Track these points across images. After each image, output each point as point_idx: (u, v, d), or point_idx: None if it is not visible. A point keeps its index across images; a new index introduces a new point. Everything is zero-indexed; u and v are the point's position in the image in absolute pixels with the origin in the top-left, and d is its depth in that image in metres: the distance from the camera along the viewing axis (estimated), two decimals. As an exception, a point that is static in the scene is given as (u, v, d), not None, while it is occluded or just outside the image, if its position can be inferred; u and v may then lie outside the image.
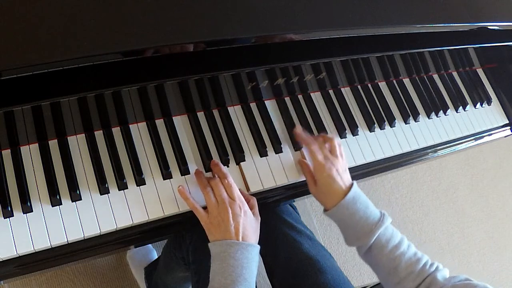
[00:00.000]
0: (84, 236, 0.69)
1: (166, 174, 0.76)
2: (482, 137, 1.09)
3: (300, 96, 0.92)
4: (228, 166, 0.81)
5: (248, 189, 0.81)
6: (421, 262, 0.73)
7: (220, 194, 0.72)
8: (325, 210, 0.79)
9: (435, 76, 1.09)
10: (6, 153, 0.71)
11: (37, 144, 0.73)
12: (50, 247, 0.68)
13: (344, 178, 0.78)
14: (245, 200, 0.75)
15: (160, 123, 0.80)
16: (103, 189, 0.72)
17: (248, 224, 0.72)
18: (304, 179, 0.83)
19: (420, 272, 0.72)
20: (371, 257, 0.75)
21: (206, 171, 0.80)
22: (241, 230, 0.70)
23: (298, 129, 0.83)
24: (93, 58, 0.57)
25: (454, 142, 1.04)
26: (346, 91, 0.97)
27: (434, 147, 1.01)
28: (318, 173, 0.78)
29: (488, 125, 1.09)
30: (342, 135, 0.91)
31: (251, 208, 0.75)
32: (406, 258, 0.73)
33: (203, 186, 0.73)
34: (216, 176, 0.75)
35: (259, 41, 0.67)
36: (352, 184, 0.78)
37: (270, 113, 0.87)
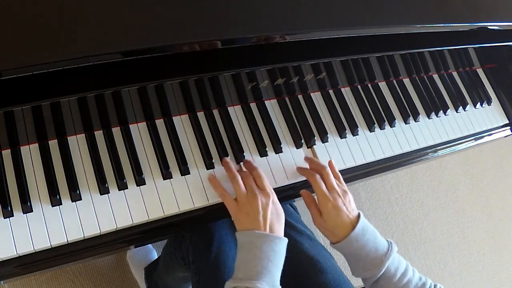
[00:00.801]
0: (84, 236, 0.69)
1: (166, 174, 0.76)
2: (482, 137, 1.09)
3: (300, 96, 0.92)
4: (228, 166, 0.81)
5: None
6: (426, 287, 0.73)
7: (250, 184, 0.73)
8: (332, 243, 0.76)
9: (435, 76, 1.09)
10: (6, 153, 0.71)
11: (37, 144, 0.73)
12: (50, 247, 0.68)
13: (350, 209, 0.76)
14: None
15: (160, 123, 0.80)
16: (103, 189, 0.72)
17: (276, 215, 0.72)
18: (304, 178, 0.84)
19: None
20: (379, 287, 0.74)
21: (207, 170, 0.80)
22: (269, 220, 0.70)
23: (299, 168, 0.84)
24: (93, 58, 0.57)
25: (454, 142, 1.04)
26: (346, 91, 0.97)
27: (434, 147, 1.01)
28: (322, 205, 0.76)
29: (488, 125, 1.09)
30: (342, 135, 0.91)
31: None
32: (413, 284, 0.73)
33: (232, 175, 0.74)
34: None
35: (259, 41, 0.67)
36: (359, 215, 0.76)
37: (270, 113, 0.87)
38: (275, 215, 0.72)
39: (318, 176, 0.78)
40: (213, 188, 0.76)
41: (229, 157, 0.81)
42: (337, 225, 0.75)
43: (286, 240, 0.71)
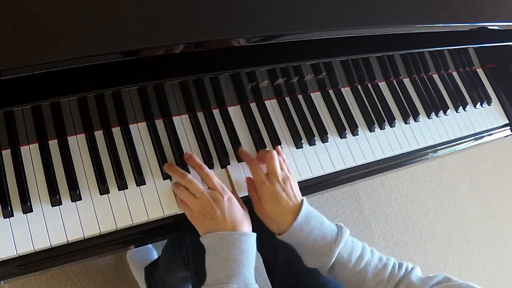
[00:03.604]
0: (84, 236, 0.69)
1: (166, 174, 0.76)
2: (482, 137, 1.09)
3: (300, 96, 0.92)
4: (229, 164, 0.81)
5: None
6: (388, 267, 0.69)
7: (196, 188, 0.70)
8: (277, 234, 0.73)
9: (435, 76, 1.09)
10: (6, 153, 0.71)
11: (37, 144, 0.73)
12: (50, 247, 0.68)
13: (291, 195, 0.72)
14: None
15: (160, 123, 0.80)
16: (103, 189, 0.72)
17: (236, 210, 0.69)
18: (304, 179, 0.84)
19: (390, 278, 0.68)
20: (335, 275, 0.71)
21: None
22: (227, 216, 0.67)
23: (241, 149, 0.81)
24: (93, 58, 0.57)
25: (454, 142, 1.04)
26: (346, 91, 0.97)
27: (434, 147, 1.01)
28: (259, 191, 0.72)
29: (488, 125, 1.09)
30: (342, 135, 0.91)
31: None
32: (372, 267, 0.68)
33: (176, 185, 0.73)
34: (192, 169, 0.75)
35: (259, 41, 0.67)
36: (302, 201, 0.72)
37: (270, 113, 0.87)
38: (234, 210, 0.69)
39: (256, 161, 0.76)
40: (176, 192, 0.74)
41: (229, 157, 0.81)
42: (276, 213, 0.71)
43: (253, 235, 0.68)
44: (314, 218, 0.71)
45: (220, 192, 0.70)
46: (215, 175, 0.73)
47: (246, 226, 0.70)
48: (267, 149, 0.82)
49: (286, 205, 0.71)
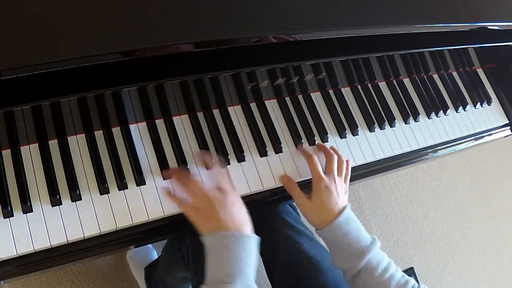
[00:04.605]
0: (84, 236, 0.69)
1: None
2: (482, 137, 1.09)
3: (300, 96, 0.92)
4: (229, 164, 0.81)
5: (248, 189, 0.81)
6: (409, 284, 0.72)
7: (199, 189, 0.70)
8: (316, 228, 0.77)
9: (435, 76, 1.09)
10: (6, 153, 0.71)
11: (37, 144, 0.73)
12: (50, 247, 0.68)
13: (340, 198, 0.77)
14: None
15: (160, 123, 0.80)
16: (103, 189, 0.72)
17: (240, 212, 0.70)
18: (304, 178, 0.83)
19: None
20: (360, 280, 0.73)
21: (206, 170, 0.80)
22: (231, 218, 0.68)
23: (300, 145, 0.85)
24: (93, 58, 0.57)
25: (454, 142, 1.04)
26: (346, 91, 0.97)
27: (434, 147, 1.01)
28: (315, 184, 0.76)
29: (488, 125, 1.09)
30: (342, 135, 0.91)
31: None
32: (396, 280, 0.72)
33: (183, 183, 0.72)
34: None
35: (259, 41, 0.67)
36: (346, 207, 0.76)
37: (270, 113, 0.87)
38: (237, 212, 0.69)
39: (316, 158, 0.79)
40: (170, 201, 0.74)
41: (229, 156, 0.81)
42: (323, 208, 0.75)
43: (256, 237, 0.69)
44: (354, 221, 0.76)
45: (224, 193, 0.70)
46: (227, 175, 0.74)
47: (248, 227, 0.70)
48: (326, 146, 0.87)
49: (334, 203, 0.75)
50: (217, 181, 0.73)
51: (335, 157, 0.82)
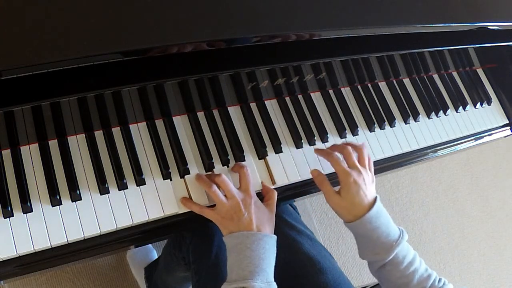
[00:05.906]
0: (84, 236, 0.69)
1: (166, 174, 0.76)
2: (482, 137, 1.09)
3: (300, 96, 0.92)
4: (227, 166, 0.81)
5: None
6: (431, 278, 0.73)
7: (229, 189, 0.72)
8: (346, 222, 0.77)
9: (435, 76, 1.09)
10: (6, 153, 0.71)
11: (37, 144, 0.73)
12: (50, 247, 0.68)
13: (369, 190, 0.76)
14: (265, 191, 0.78)
15: (160, 123, 0.80)
16: (103, 189, 0.72)
17: (261, 214, 0.72)
18: (305, 178, 0.83)
19: None
20: (385, 272, 0.74)
21: (206, 171, 0.80)
22: (254, 220, 0.70)
23: (317, 149, 0.85)
24: (93, 58, 0.57)
25: (454, 142, 1.04)
26: (346, 91, 0.97)
27: (434, 147, 1.01)
28: (343, 180, 0.75)
29: (488, 125, 1.09)
30: (342, 135, 0.91)
31: (268, 199, 0.76)
32: (419, 274, 0.73)
33: (208, 185, 0.73)
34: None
35: (259, 41, 0.67)
36: (376, 198, 0.76)
37: (270, 113, 0.87)
38: (260, 214, 0.72)
39: (336, 154, 0.79)
40: (189, 209, 0.75)
41: (228, 156, 0.81)
42: (354, 203, 0.74)
43: (275, 237, 0.72)
44: (384, 215, 0.75)
45: (250, 194, 0.73)
46: (249, 178, 0.75)
47: (269, 228, 0.72)
48: (341, 143, 0.85)
49: (363, 196, 0.74)
50: (242, 183, 0.75)
51: (351, 149, 0.79)
